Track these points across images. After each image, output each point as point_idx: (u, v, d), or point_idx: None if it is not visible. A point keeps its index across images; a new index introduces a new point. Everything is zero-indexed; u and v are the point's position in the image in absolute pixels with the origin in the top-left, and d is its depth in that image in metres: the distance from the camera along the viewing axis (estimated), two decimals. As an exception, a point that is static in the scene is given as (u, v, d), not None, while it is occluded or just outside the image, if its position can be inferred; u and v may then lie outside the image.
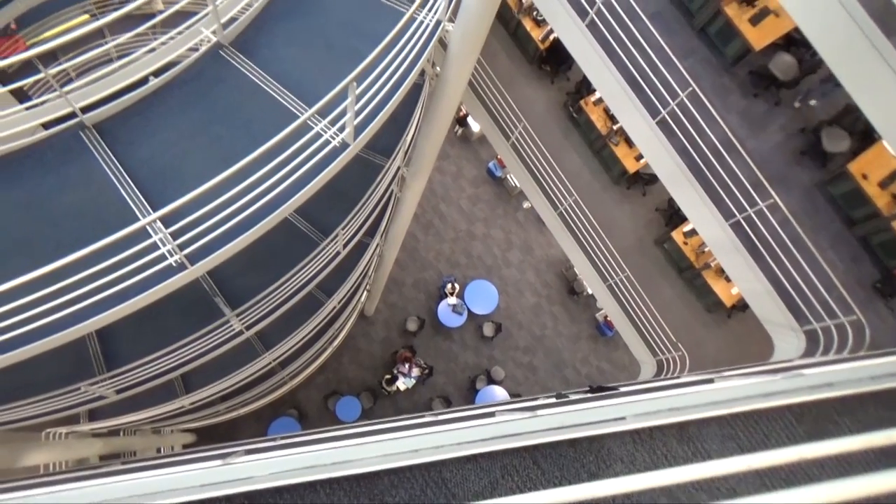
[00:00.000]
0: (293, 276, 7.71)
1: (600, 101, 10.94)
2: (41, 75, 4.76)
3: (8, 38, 14.25)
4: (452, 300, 18.72)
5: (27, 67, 12.81)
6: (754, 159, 8.00)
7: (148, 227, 4.63)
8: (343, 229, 7.85)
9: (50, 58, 13.55)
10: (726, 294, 10.29)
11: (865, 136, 8.49)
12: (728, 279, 10.04)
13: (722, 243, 8.22)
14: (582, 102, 11.14)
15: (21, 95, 7.81)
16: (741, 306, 10.43)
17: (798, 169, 8.50)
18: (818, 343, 7.64)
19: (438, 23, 5.88)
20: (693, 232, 10.34)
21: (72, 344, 4.94)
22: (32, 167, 5.16)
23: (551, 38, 11.18)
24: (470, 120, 20.00)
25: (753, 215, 7.84)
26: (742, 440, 2.39)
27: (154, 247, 4.73)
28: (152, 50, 5.61)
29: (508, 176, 20.06)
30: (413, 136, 8.89)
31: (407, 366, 17.83)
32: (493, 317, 19.22)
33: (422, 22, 5.72)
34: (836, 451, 1.68)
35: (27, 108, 5.25)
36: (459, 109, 18.89)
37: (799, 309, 7.81)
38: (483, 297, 19.10)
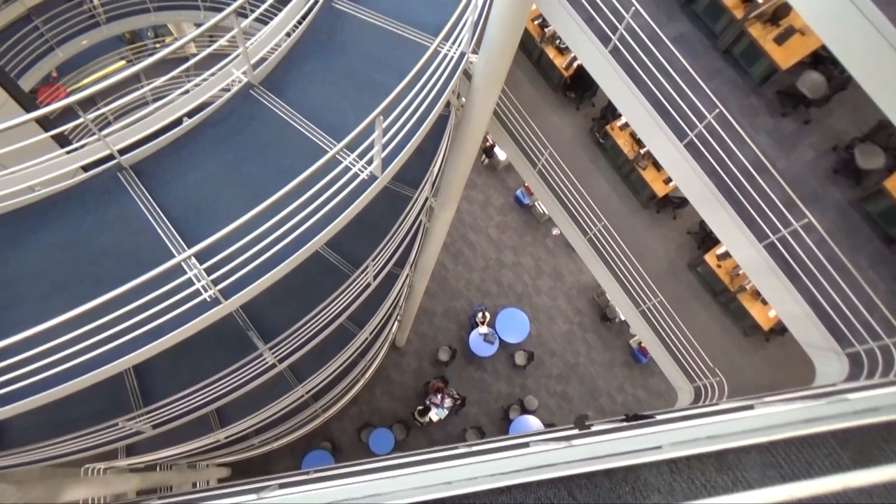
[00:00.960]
0: (324, 308, 7.77)
1: (626, 125, 10.92)
2: (81, 120, 4.95)
3: (50, 85, 14.88)
4: (483, 329, 18.63)
5: (68, 113, 13.33)
6: (786, 179, 7.87)
7: (183, 264, 4.73)
8: (373, 261, 7.91)
9: (89, 103, 14.08)
10: (763, 317, 10.06)
11: (901, 151, 8.31)
12: (765, 302, 9.82)
13: (757, 265, 8.06)
14: (608, 127, 11.14)
15: (62, 140, 8.11)
16: (779, 329, 10.17)
17: (832, 187, 8.33)
18: (862, 366, 7.39)
19: (462, 55, 5.98)
20: (726, 254, 10.17)
21: (110, 380, 5.03)
22: (73, 208, 5.33)
23: (575, 65, 11.24)
24: (496, 149, 20.12)
25: (788, 236, 7.69)
26: (784, 468, 2.31)
27: (189, 283, 4.83)
28: (186, 92, 5.80)
29: (536, 203, 20.05)
30: (440, 166, 8.97)
31: (439, 396, 17.71)
32: (525, 345, 19.05)
33: (446, 55, 5.82)
34: (883, 479, 1.62)
35: (68, 152, 5.44)
36: (486, 139, 19.03)
37: (840, 331, 7.58)
38: (514, 326, 18.96)
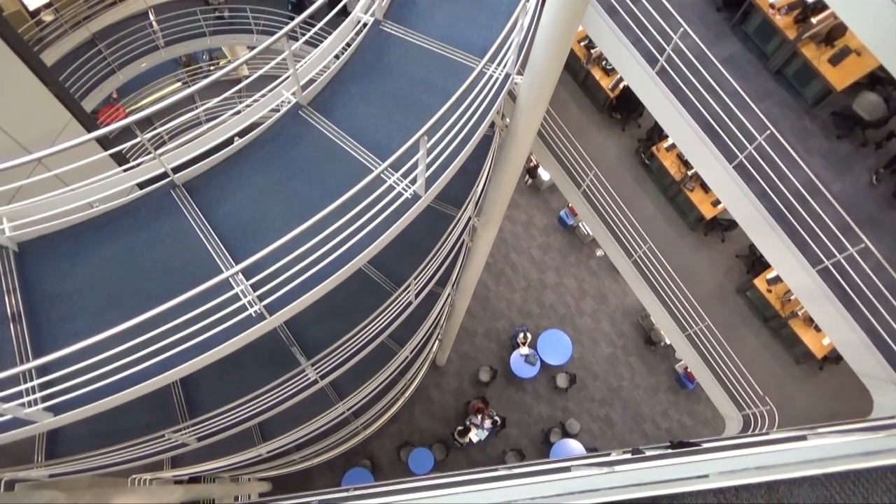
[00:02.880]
0: (366, 325, 7.82)
1: (673, 146, 10.78)
2: (138, 139, 5.14)
3: (110, 106, 15.53)
4: (525, 350, 18.45)
5: (126, 132, 13.88)
6: (841, 202, 7.63)
7: (230, 279, 4.83)
8: (415, 279, 7.94)
9: (146, 123, 14.65)
10: (817, 345, 9.71)
11: (964, 174, 7.97)
12: (818, 329, 9.49)
13: (810, 291, 7.81)
14: (654, 149, 11.01)
15: (120, 159, 8.44)
16: (834, 357, 9.79)
17: (891, 211, 8.03)
18: (924, 398, 7.07)
19: (507, 76, 6.01)
20: (777, 279, 9.88)
21: (157, 392, 5.15)
22: (128, 224, 5.52)
23: (621, 86, 11.18)
24: (540, 170, 20.07)
25: (843, 261, 7.43)
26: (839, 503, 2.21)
27: (236, 298, 4.93)
28: (237, 112, 5.97)
29: (580, 224, 19.87)
30: (484, 186, 8.99)
31: (479, 417, 17.57)
32: (567, 367, 18.78)
33: (491, 76, 5.86)
34: (947, 518, 1.54)
35: (125, 170, 5.65)
36: (529, 160, 19.01)
37: (900, 361, 7.27)
38: (556, 347, 18.73)
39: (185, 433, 7.29)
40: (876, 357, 7.42)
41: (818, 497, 2.24)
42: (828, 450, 2.75)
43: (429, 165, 5.37)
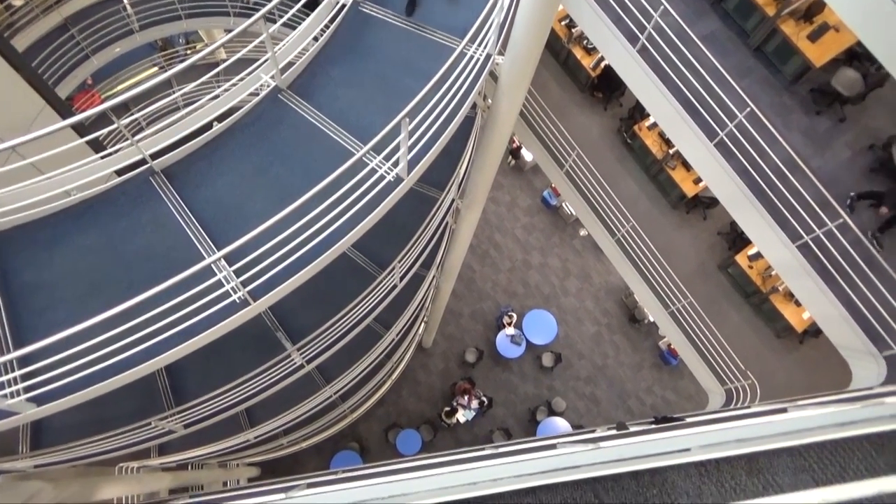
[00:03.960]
0: (352, 309, 7.82)
1: (655, 125, 10.80)
2: (115, 126, 5.06)
3: (85, 92, 15.25)
4: (510, 330, 18.57)
5: (102, 119, 13.65)
6: (820, 178, 7.71)
7: (213, 266, 4.80)
8: (399, 262, 7.94)
9: (122, 109, 14.40)
10: (797, 319, 9.86)
11: (941, 149, 8.07)
12: (798, 303, 9.63)
13: (790, 266, 7.91)
14: (636, 127, 11.03)
15: (97, 145, 8.30)
16: (814, 331, 9.95)
17: (868, 186, 8.13)
18: (900, 369, 7.21)
19: (489, 56, 5.97)
20: (758, 255, 9.99)
21: (142, 380, 5.13)
22: (107, 212, 5.45)
23: (602, 65, 11.16)
24: (523, 150, 20.05)
25: (822, 236, 7.53)
26: (817, 473, 2.26)
27: (219, 284, 4.90)
28: (216, 97, 5.89)
29: (563, 204, 19.93)
30: (466, 168, 8.97)
31: (466, 398, 17.70)
32: (553, 347, 18.94)
33: (472, 56, 5.82)
34: (920, 485, 1.58)
35: (102, 158, 5.56)
36: (512, 140, 18.98)
37: (878, 333, 7.39)
38: (541, 327, 18.87)
39: (172, 420, 7.27)
40: (854, 329, 7.55)
41: (798, 467, 2.29)
42: (806, 421, 2.81)
43: (411, 148, 5.35)
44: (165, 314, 4.68)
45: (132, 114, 6.44)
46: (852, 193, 7.87)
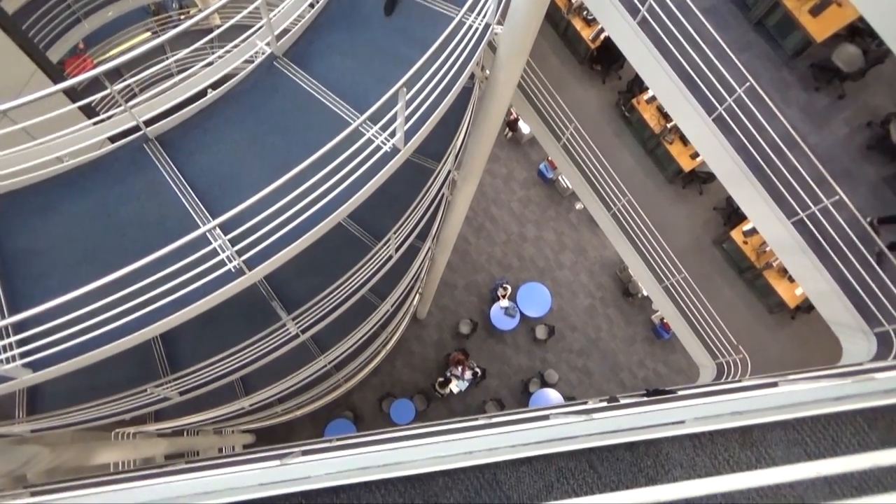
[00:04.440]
0: (347, 279, 7.83)
1: (653, 99, 10.72)
2: (107, 91, 4.98)
3: (77, 56, 14.96)
4: (505, 303, 18.65)
5: (94, 84, 13.44)
6: (817, 155, 7.69)
7: (208, 234, 4.78)
8: (395, 233, 7.92)
9: (115, 74, 14.16)
10: (790, 295, 9.93)
11: (938, 127, 8.06)
12: (791, 279, 9.68)
13: (784, 242, 7.93)
14: (634, 101, 10.95)
15: (89, 111, 8.19)
16: (806, 307, 10.04)
17: (865, 164, 8.12)
18: (891, 346, 7.28)
19: (487, 26, 5.89)
20: (753, 231, 10.01)
21: (138, 348, 5.14)
22: (100, 179, 5.40)
23: (602, 36, 11.03)
24: (520, 123, 19.91)
25: (818, 213, 7.53)
26: (809, 446, 2.29)
27: (214, 253, 4.89)
28: (210, 64, 5.80)
29: (560, 177, 19.87)
30: (463, 139, 8.91)
31: (460, 368, 17.84)
32: (547, 319, 19.06)
33: (471, 26, 5.74)
34: (911, 458, 1.60)
35: (95, 124, 5.49)
36: (510, 113, 18.83)
37: (869, 310, 7.46)
38: (536, 300, 18.95)
39: (167, 387, 7.31)
40: (846, 305, 7.61)
41: (790, 440, 2.32)
42: (799, 395, 2.84)
43: (408, 118, 5.29)
44: (160, 282, 4.67)
45: (125, 79, 6.34)
46: (870, 219, 7.77)
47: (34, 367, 4.81)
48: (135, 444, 10.15)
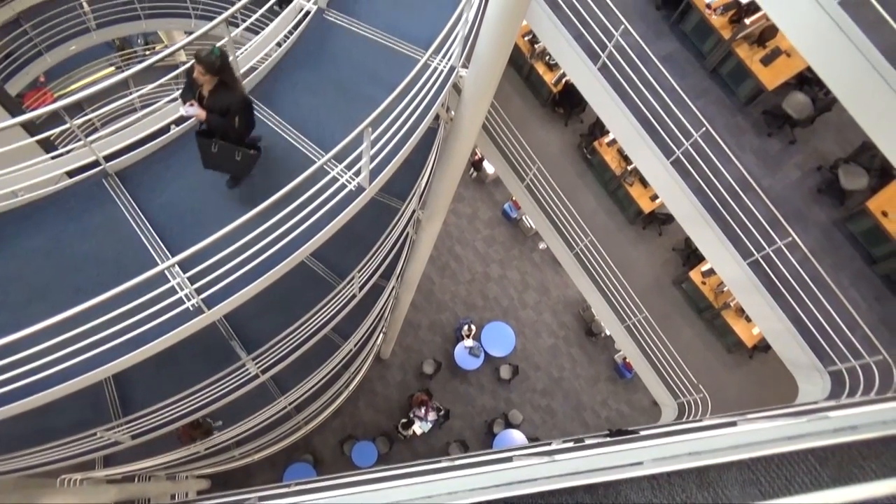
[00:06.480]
0: (309, 319, 7.72)
1: (614, 141, 11.01)
2: (67, 126, 4.91)
3: (37, 90, 14.76)
4: (469, 342, 18.58)
5: (54, 118, 13.23)
6: (771, 197, 7.97)
7: (166, 272, 4.68)
8: (359, 272, 7.88)
9: (76, 109, 13.98)
10: (747, 334, 10.13)
11: (884, 173, 8.43)
12: (748, 319, 9.89)
13: (741, 282, 8.13)
14: (596, 143, 11.22)
15: (47, 146, 8.04)
16: (763, 346, 10.24)
17: (816, 207, 8.44)
18: (843, 384, 7.46)
19: (452, 69, 6.01)
20: (711, 271, 10.24)
21: (88, 389, 4.96)
22: (56, 214, 5.27)
23: (564, 80, 11.34)
24: (485, 163, 20.18)
25: (772, 254, 7.77)
26: (764, 485, 2.32)
27: (172, 291, 4.79)
28: (174, 100, 5.77)
29: (524, 217, 20.11)
30: (428, 179, 8.98)
31: (423, 409, 17.62)
32: (511, 359, 19.03)
33: (436, 68, 5.84)
34: (861, 497, 1.63)
35: (53, 158, 5.39)
36: (474, 153, 19.10)
37: (823, 349, 7.66)
38: (500, 339, 18.94)
39: (119, 431, 7.04)
40: (800, 345, 7.80)
41: (746, 480, 2.34)
42: (755, 435, 2.87)
43: (373, 157, 5.33)
44: (115, 321, 4.54)
45: (86, 114, 6.25)
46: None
47: (-23, 409, 4.60)
48: (82, 490, 9.69)
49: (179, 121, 5.71)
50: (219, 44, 5.24)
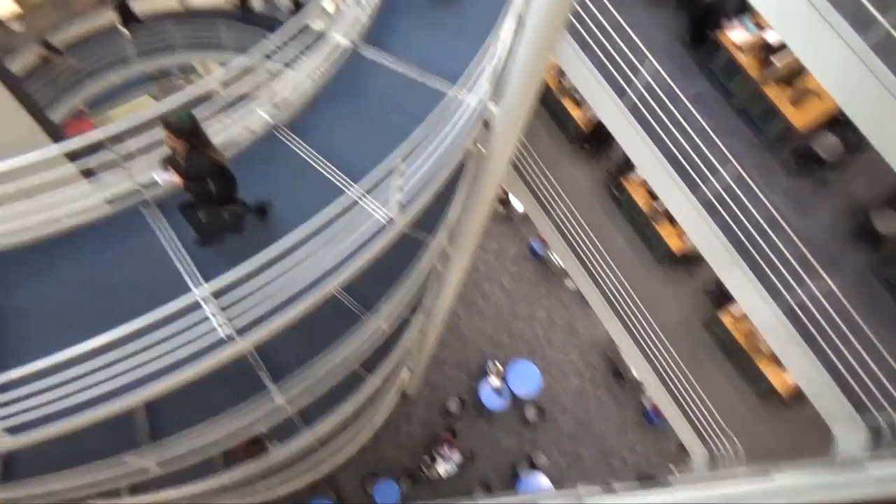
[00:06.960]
0: (336, 351, 7.73)
1: (643, 179, 10.97)
2: (108, 153, 5.07)
3: (78, 118, 15.24)
4: (495, 381, 18.36)
5: (93, 146, 13.62)
6: (804, 240, 7.82)
7: (200, 300, 4.76)
8: (387, 305, 7.89)
9: (115, 137, 14.38)
10: (780, 381, 9.84)
11: (920, 216, 8.24)
12: (781, 365, 9.64)
13: (773, 328, 7.94)
14: (624, 181, 11.19)
15: (88, 173, 8.28)
16: (796, 394, 9.94)
17: (849, 251, 8.25)
18: (881, 436, 7.17)
19: (482, 104, 6.10)
20: (743, 315, 10.04)
21: (118, 415, 5.01)
22: (94, 241, 5.42)
23: (594, 118, 11.38)
24: (512, 198, 20.23)
25: (806, 300, 7.58)
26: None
27: (205, 319, 4.85)
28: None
29: (551, 254, 20.02)
30: (457, 213, 9.03)
31: (447, 447, 17.36)
32: (536, 399, 18.73)
33: (467, 104, 5.94)
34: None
35: (93, 185, 5.56)
36: (503, 189, 19.19)
37: (860, 399, 7.40)
38: (525, 379, 18.67)
39: (147, 458, 7.06)
40: (836, 394, 7.54)
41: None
42: (790, 486, 2.79)
43: (404, 191, 5.40)
44: (148, 348, 4.61)
45: (126, 142, 6.44)
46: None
47: (12, 432, 4.67)
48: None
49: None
50: (255, 76, 5.42)
